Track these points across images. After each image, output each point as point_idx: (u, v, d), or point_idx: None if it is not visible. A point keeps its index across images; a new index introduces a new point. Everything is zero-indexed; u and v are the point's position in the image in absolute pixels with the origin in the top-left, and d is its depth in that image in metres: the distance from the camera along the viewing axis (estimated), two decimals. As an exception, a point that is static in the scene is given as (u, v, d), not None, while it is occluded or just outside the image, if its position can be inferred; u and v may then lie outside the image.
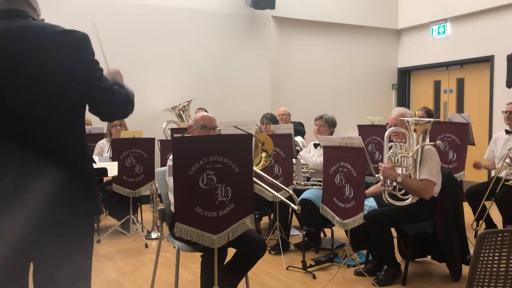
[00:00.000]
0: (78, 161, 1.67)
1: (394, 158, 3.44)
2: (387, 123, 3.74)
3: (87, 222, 1.74)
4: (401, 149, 3.43)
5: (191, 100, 6.17)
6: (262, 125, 5.29)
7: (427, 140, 3.43)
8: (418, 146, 3.36)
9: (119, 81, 1.83)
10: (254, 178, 3.04)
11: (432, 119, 3.46)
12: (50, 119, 1.61)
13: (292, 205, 3.17)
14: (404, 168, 3.41)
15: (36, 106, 1.59)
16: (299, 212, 3.26)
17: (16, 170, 1.56)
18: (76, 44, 1.65)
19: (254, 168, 3.29)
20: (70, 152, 1.65)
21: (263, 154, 3.44)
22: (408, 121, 3.38)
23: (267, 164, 3.52)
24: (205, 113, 3.35)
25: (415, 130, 3.36)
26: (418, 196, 3.38)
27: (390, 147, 3.48)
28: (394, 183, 3.43)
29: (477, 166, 4.81)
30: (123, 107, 1.78)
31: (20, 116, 1.58)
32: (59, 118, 1.63)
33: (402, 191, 3.45)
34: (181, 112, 6.05)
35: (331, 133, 4.54)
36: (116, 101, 1.74)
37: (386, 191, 3.44)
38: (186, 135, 2.79)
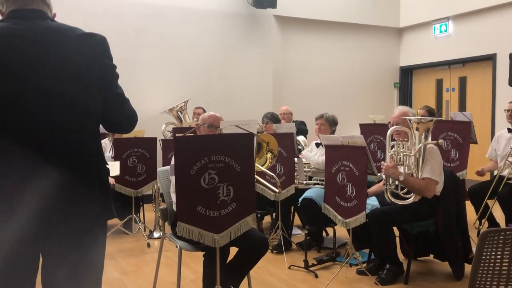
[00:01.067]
0: (94, 164, 1.67)
1: (396, 157, 3.44)
2: (389, 122, 3.73)
3: (101, 225, 1.74)
4: (403, 148, 3.42)
5: (188, 100, 6.18)
6: (263, 125, 5.29)
7: (429, 139, 3.42)
8: (421, 144, 3.35)
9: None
10: (257, 177, 3.05)
11: (434, 118, 3.46)
12: (68, 122, 1.61)
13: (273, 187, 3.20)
14: (406, 167, 3.41)
15: (52, 110, 1.59)
16: (278, 192, 3.29)
17: (31, 172, 1.55)
18: (95, 49, 1.65)
19: (260, 167, 3.30)
20: (86, 155, 1.65)
21: (269, 155, 3.43)
22: (410, 120, 3.38)
23: (271, 165, 3.52)
24: (212, 113, 3.37)
25: (417, 129, 3.36)
26: (420, 195, 3.37)
27: (392, 146, 3.48)
28: (396, 182, 3.42)
29: (480, 173, 4.78)
30: (132, 116, 1.77)
31: (36, 120, 1.57)
32: (77, 121, 1.63)
33: (405, 190, 3.44)
34: (178, 113, 6.06)
35: (333, 132, 4.53)
36: (127, 109, 1.74)
37: (388, 190, 3.44)
38: (188, 134, 2.79)
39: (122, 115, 1.74)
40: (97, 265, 1.74)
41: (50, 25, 1.64)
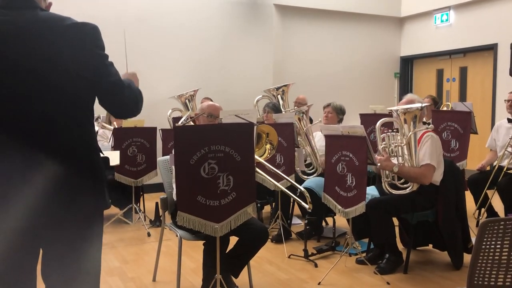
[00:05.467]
0: (85, 156, 1.66)
1: (389, 149, 3.46)
2: (390, 111, 3.72)
3: (95, 216, 1.73)
4: (393, 139, 3.45)
5: (197, 90, 6.15)
6: (264, 114, 5.26)
7: (421, 126, 3.44)
8: (410, 133, 3.38)
9: (132, 82, 1.80)
10: (256, 168, 3.03)
11: (420, 105, 3.44)
12: (57, 115, 1.60)
13: (303, 203, 3.15)
14: (400, 158, 3.42)
15: (43, 102, 1.58)
16: (310, 210, 3.21)
17: (23, 165, 1.55)
18: (86, 39, 1.62)
19: (258, 158, 3.28)
20: (78, 146, 1.64)
21: (268, 146, 3.41)
22: (397, 111, 3.40)
23: (270, 156, 3.50)
24: (211, 102, 3.36)
25: (405, 120, 3.38)
26: (417, 183, 3.38)
27: (384, 139, 3.49)
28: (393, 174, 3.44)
29: (481, 169, 4.80)
30: (133, 102, 1.74)
31: (26, 112, 1.57)
32: (67, 113, 1.61)
33: (402, 180, 3.46)
34: (187, 101, 6.03)
35: (340, 120, 4.55)
36: (127, 95, 1.71)
37: (386, 182, 3.46)
38: (188, 123, 2.79)
39: (122, 102, 1.71)
40: (93, 254, 1.74)
41: (39, 15, 1.61)
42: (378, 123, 3.43)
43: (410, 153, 3.40)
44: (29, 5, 1.62)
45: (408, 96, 3.74)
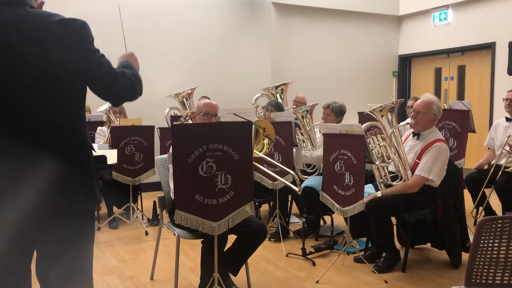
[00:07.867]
0: (76, 152, 1.66)
1: (375, 150, 3.54)
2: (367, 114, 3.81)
3: (86, 212, 1.74)
4: (378, 140, 3.50)
5: (195, 88, 6.14)
6: (266, 112, 5.24)
7: (395, 123, 3.55)
8: (392, 129, 3.48)
9: (130, 64, 1.82)
10: (255, 163, 3.03)
11: (396, 101, 3.53)
12: (47, 112, 1.60)
13: (293, 187, 3.17)
14: (392, 157, 3.52)
15: (32, 99, 1.58)
16: (299, 193, 3.24)
17: (13, 162, 1.55)
18: (74, 34, 1.62)
19: (257, 153, 3.29)
20: (68, 143, 1.64)
21: (266, 141, 3.42)
22: (374, 111, 3.51)
23: (269, 150, 3.51)
24: (208, 100, 3.36)
25: (382, 116, 3.49)
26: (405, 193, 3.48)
27: (369, 142, 3.56)
28: (390, 168, 3.57)
29: (479, 168, 4.81)
30: (130, 87, 1.74)
31: (16, 109, 1.57)
32: (56, 110, 1.62)
33: (396, 181, 3.56)
34: (184, 99, 6.02)
35: (339, 122, 4.53)
36: (122, 83, 1.71)
37: (381, 183, 3.59)
38: (185, 122, 2.78)
39: (117, 90, 1.72)
40: (85, 250, 1.74)
41: (28, 12, 1.61)
42: (363, 129, 3.48)
43: (397, 151, 3.47)
44: (17, 1, 1.62)
45: (426, 96, 3.69)
